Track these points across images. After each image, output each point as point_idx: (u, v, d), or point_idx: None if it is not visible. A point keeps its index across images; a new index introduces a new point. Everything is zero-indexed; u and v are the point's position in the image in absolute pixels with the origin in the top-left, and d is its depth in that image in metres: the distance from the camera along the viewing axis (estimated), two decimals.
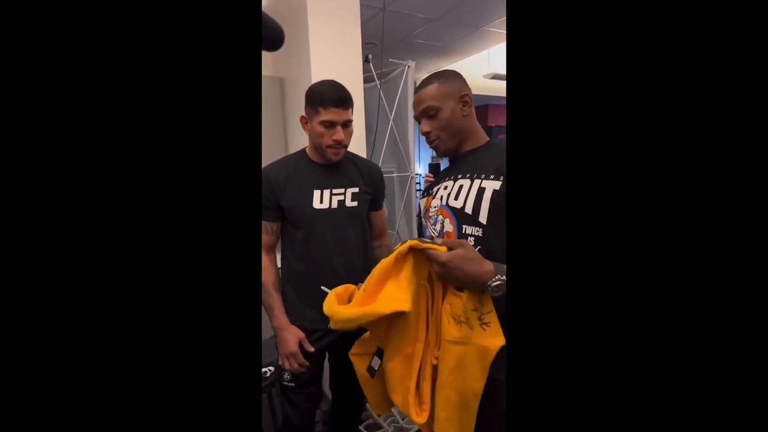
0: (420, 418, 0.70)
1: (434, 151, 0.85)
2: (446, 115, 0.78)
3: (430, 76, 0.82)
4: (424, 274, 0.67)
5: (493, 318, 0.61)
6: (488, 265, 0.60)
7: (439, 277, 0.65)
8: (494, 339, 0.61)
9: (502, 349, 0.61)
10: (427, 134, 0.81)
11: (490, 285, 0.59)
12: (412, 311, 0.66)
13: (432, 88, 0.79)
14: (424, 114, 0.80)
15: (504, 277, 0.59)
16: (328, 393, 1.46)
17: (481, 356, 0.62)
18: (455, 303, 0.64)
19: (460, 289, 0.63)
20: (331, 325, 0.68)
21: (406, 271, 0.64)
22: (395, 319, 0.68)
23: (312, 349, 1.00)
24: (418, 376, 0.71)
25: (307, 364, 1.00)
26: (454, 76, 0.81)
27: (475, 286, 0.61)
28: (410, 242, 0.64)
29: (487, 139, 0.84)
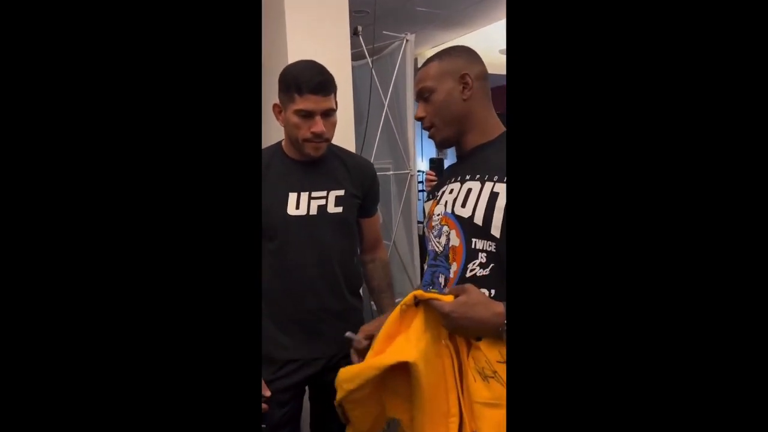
0: None
1: (434, 142, 0.78)
2: (440, 98, 0.71)
3: (438, 51, 0.75)
4: (444, 330, 0.64)
5: None
6: (498, 307, 0.59)
7: (448, 330, 0.63)
8: None
9: None
10: (420, 120, 0.75)
11: (503, 330, 0.57)
12: (437, 378, 0.62)
13: (431, 67, 0.73)
14: (419, 96, 0.74)
15: None
16: None
17: None
18: (477, 356, 0.61)
19: (479, 338, 0.61)
20: (338, 396, 0.66)
21: (417, 324, 0.62)
22: (415, 389, 0.62)
23: (267, 394, 0.91)
24: None
25: (264, 407, 0.91)
26: (460, 52, 0.74)
27: (488, 333, 0.59)
28: (414, 292, 0.62)
29: (503, 130, 0.74)
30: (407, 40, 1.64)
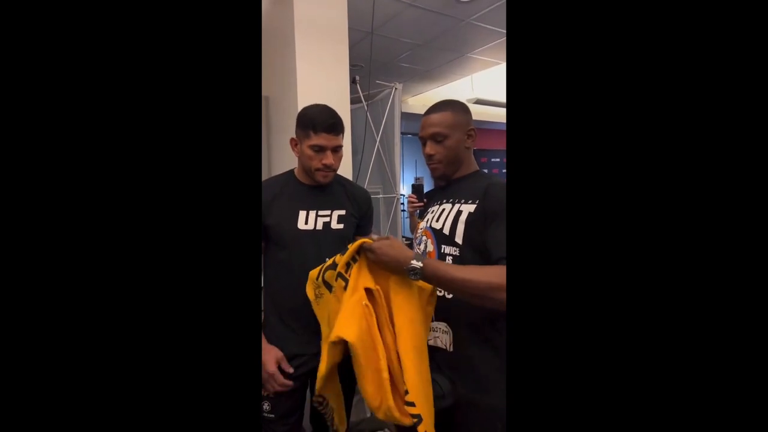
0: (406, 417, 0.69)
1: (431, 173, 0.88)
2: (452, 144, 0.82)
3: (442, 103, 0.86)
4: (365, 293, 0.70)
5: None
6: (409, 252, 0.70)
7: (372, 260, 0.73)
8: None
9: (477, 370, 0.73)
10: (429, 156, 0.84)
11: (406, 268, 0.68)
12: (367, 341, 0.68)
13: (445, 115, 0.83)
14: (432, 137, 0.83)
15: (419, 264, 0.68)
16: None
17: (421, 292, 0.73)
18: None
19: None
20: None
21: (348, 299, 0.70)
22: (354, 359, 0.69)
23: (291, 370, 0.94)
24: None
25: (290, 383, 0.93)
26: (465, 109, 0.85)
27: (398, 268, 0.70)
28: (352, 247, 0.73)
29: (476, 168, 0.88)
30: (396, 89, 1.79)
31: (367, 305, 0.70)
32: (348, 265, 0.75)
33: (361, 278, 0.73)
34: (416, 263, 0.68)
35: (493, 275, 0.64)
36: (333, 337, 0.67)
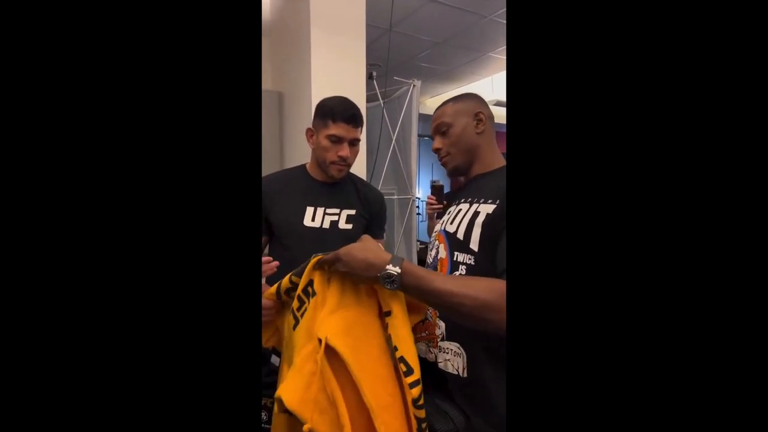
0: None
1: (445, 169, 0.81)
2: (457, 131, 0.75)
3: (450, 98, 0.80)
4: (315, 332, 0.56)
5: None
6: (385, 255, 0.55)
7: (340, 269, 0.59)
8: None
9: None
10: (437, 151, 0.78)
11: (380, 275, 0.53)
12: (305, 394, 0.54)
13: (447, 107, 0.78)
14: (436, 131, 0.78)
15: (396, 269, 0.53)
16: None
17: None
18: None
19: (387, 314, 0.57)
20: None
21: (301, 355, 0.55)
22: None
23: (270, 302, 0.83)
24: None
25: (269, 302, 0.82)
26: (471, 96, 0.79)
27: (370, 275, 0.55)
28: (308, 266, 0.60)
29: (503, 164, 0.76)
30: (414, 85, 1.74)
31: (316, 361, 0.53)
32: (306, 294, 0.60)
33: (315, 324, 0.57)
34: (393, 269, 0.52)
35: (488, 291, 0.51)
36: (278, 394, 0.53)
